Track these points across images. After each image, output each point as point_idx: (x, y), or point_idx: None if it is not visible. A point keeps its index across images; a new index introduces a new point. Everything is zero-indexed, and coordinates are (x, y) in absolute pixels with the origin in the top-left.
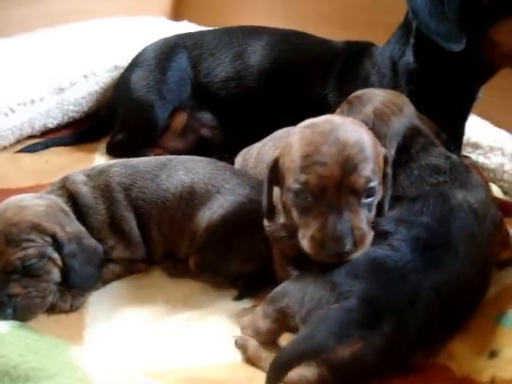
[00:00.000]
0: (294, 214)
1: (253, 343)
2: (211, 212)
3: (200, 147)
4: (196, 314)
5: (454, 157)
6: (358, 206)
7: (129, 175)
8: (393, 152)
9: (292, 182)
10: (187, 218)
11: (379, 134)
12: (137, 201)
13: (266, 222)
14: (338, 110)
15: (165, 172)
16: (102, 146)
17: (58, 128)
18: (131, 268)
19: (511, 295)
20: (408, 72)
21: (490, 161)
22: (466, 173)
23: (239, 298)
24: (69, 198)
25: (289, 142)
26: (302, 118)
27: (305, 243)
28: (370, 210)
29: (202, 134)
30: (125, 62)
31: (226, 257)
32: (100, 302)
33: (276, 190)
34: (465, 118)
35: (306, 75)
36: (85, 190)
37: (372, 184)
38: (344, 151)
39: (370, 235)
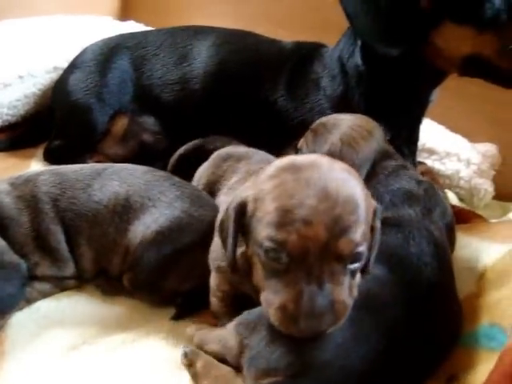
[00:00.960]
0: (260, 272)
1: (206, 358)
2: (145, 227)
3: (142, 153)
4: (129, 336)
5: (425, 180)
6: (343, 275)
7: (58, 184)
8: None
9: (264, 238)
10: (120, 233)
11: (347, 162)
12: (65, 213)
13: (213, 244)
14: (302, 140)
15: (98, 182)
16: (40, 152)
17: None
18: (60, 285)
19: (470, 314)
20: (358, 73)
21: (446, 167)
22: (436, 200)
23: (177, 317)
24: None
25: (262, 187)
26: (249, 123)
27: (271, 312)
28: (353, 276)
29: (144, 139)
30: (65, 63)
31: (162, 275)
32: (23, 324)
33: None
34: (418, 122)
35: (254, 78)
36: (7, 201)
37: (360, 248)
38: (334, 209)
39: (351, 304)
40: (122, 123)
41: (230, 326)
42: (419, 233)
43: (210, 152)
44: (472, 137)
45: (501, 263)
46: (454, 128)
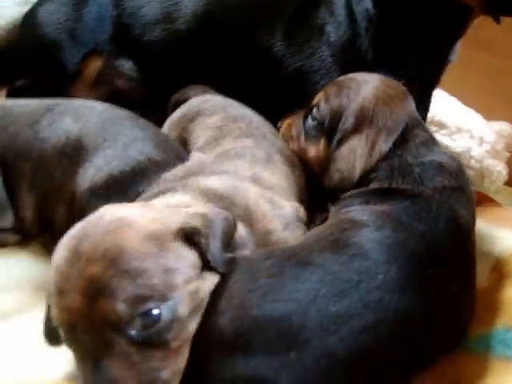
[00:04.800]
0: None
1: None
2: (96, 170)
3: (115, 101)
4: None
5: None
6: (129, 346)
7: (0, 118)
8: (387, 147)
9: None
10: (67, 177)
11: (379, 122)
12: (5, 151)
13: None
14: (320, 94)
15: (48, 118)
16: (2, 93)
17: None
18: None
19: (481, 314)
20: (367, 19)
21: (456, 143)
22: (467, 179)
23: None
24: None
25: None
26: (239, 72)
27: None
28: (163, 346)
29: (119, 85)
30: None
31: None
32: None
33: None
34: (434, 84)
35: (248, 21)
36: None
37: (150, 305)
38: (85, 268)
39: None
40: (95, 65)
41: None
42: (438, 210)
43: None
44: (487, 114)
45: None
46: (467, 103)
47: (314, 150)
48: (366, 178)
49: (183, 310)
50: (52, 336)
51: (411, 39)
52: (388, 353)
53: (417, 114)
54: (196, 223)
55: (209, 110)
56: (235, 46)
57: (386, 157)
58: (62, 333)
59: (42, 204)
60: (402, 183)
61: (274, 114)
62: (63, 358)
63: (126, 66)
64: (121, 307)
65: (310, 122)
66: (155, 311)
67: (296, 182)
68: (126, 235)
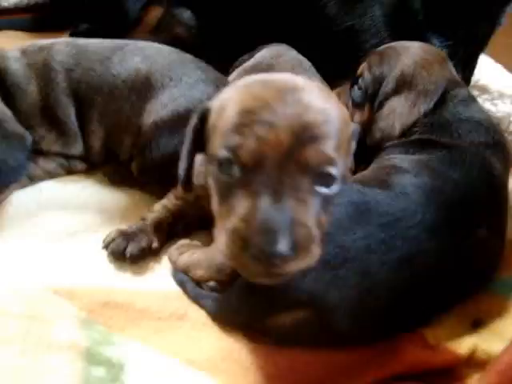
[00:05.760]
0: (214, 198)
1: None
2: (162, 106)
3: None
4: None
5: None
6: (309, 194)
7: (74, 55)
8: (427, 108)
9: (219, 146)
10: (135, 111)
11: (419, 86)
12: (79, 84)
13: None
14: (364, 65)
15: (118, 55)
16: (66, 36)
17: (16, 10)
18: (65, 166)
19: (508, 260)
20: None
21: (497, 108)
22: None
23: None
24: None
25: (228, 95)
26: (294, 29)
27: (221, 241)
28: (324, 207)
29: (178, 32)
30: None
31: (171, 161)
32: (23, 202)
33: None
34: (481, 46)
35: None
36: (14, 68)
37: (333, 169)
38: (304, 115)
39: (319, 246)
40: (155, 13)
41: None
42: (472, 160)
43: None
44: None
45: None
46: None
47: (359, 116)
48: (408, 131)
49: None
50: (188, 183)
51: (461, 1)
52: (419, 287)
53: (456, 76)
54: None
55: (279, 67)
56: (291, 2)
57: (426, 115)
58: (236, 166)
59: (109, 135)
60: (440, 136)
61: (324, 70)
62: (126, 271)
63: (185, 14)
64: (319, 157)
65: (356, 90)
66: (335, 176)
67: None
68: (333, 103)
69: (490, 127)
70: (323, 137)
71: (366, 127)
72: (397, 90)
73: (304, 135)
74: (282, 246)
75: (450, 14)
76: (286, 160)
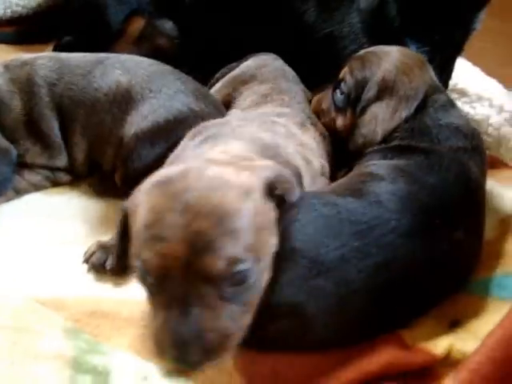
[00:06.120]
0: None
1: None
2: (142, 117)
3: (156, 59)
4: None
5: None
6: (217, 299)
7: (57, 69)
8: (408, 113)
9: (135, 256)
10: (116, 123)
11: (400, 91)
12: (62, 98)
13: None
14: (345, 69)
15: (100, 69)
16: (50, 49)
17: (1, 22)
18: (51, 178)
19: (484, 261)
20: None
21: (476, 111)
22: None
23: None
24: None
25: (138, 197)
26: (273, 37)
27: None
28: (245, 299)
29: (159, 43)
30: None
31: (155, 170)
32: (8, 215)
33: None
34: (457, 51)
35: None
36: None
37: (241, 267)
38: (193, 222)
39: (238, 335)
40: (137, 24)
41: None
42: (449, 165)
43: None
44: (508, 83)
45: None
46: (489, 72)
47: (341, 120)
48: (388, 137)
49: (267, 271)
50: (121, 267)
51: (437, 7)
52: (396, 291)
53: (436, 81)
54: (277, 177)
55: (262, 77)
56: (270, 11)
57: (407, 120)
58: (149, 277)
59: (92, 147)
60: (420, 142)
61: (304, 77)
62: (111, 281)
63: (167, 25)
64: (221, 264)
65: (338, 95)
66: (247, 272)
67: (324, 148)
68: (228, 194)
69: (468, 133)
70: (218, 241)
71: (349, 132)
72: (378, 96)
73: (197, 244)
74: (193, 355)
75: (426, 21)
76: (188, 271)
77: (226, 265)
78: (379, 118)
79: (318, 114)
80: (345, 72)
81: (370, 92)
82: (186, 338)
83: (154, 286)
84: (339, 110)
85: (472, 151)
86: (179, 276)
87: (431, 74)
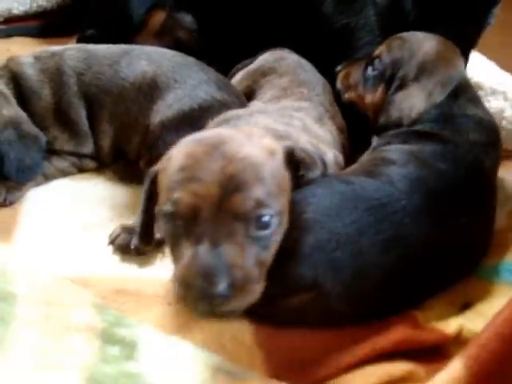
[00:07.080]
0: (168, 246)
1: None
2: (168, 106)
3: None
4: None
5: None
6: (244, 238)
7: (84, 59)
8: (441, 98)
9: (163, 201)
10: (142, 112)
11: (437, 76)
12: (89, 87)
13: None
14: (382, 47)
15: (126, 59)
16: (73, 41)
17: (25, 16)
18: (78, 165)
19: (494, 249)
20: None
21: (490, 104)
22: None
23: None
24: (11, 80)
25: (171, 154)
26: (291, 28)
27: (173, 287)
28: (264, 248)
29: (180, 36)
30: None
31: None
32: (39, 199)
33: None
34: (471, 45)
35: None
36: (29, 73)
37: (266, 211)
38: (228, 167)
39: (259, 283)
40: (159, 17)
41: None
42: (464, 155)
43: None
44: None
45: None
46: (505, 66)
47: (371, 97)
48: (416, 119)
49: (282, 232)
50: (146, 236)
51: (451, 2)
52: (407, 268)
53: (466, 74)
54: (299, 150)
55: (281, 70)
56: (288, 2)
57: (437, 105)
58: (177, 219)
59: (118, 135)
60: (441, 129)
61: (321, 67)
62: (136, 261)
63: (186, 19)
64: (250, 204)
65: (370, 71)
66: (270, 218)
67: (340, 142)
68: (257, 149)
69: (489, 128)
70: (248, 184)
71: (377, 108)
72: (417, 77)
73: (230, 186)
74: (220, 287)
75: (440, 15)
76: (219, 210)
77: (254, 205)
78: (416, 98)
79: (345, 88)
80: (381, 50)
81: (409, 72)
82: (214, 270)
83: (182, 226)
84: (369, 86)
85: (489, 146)
86: (210, 214)
87: (464, 66)
